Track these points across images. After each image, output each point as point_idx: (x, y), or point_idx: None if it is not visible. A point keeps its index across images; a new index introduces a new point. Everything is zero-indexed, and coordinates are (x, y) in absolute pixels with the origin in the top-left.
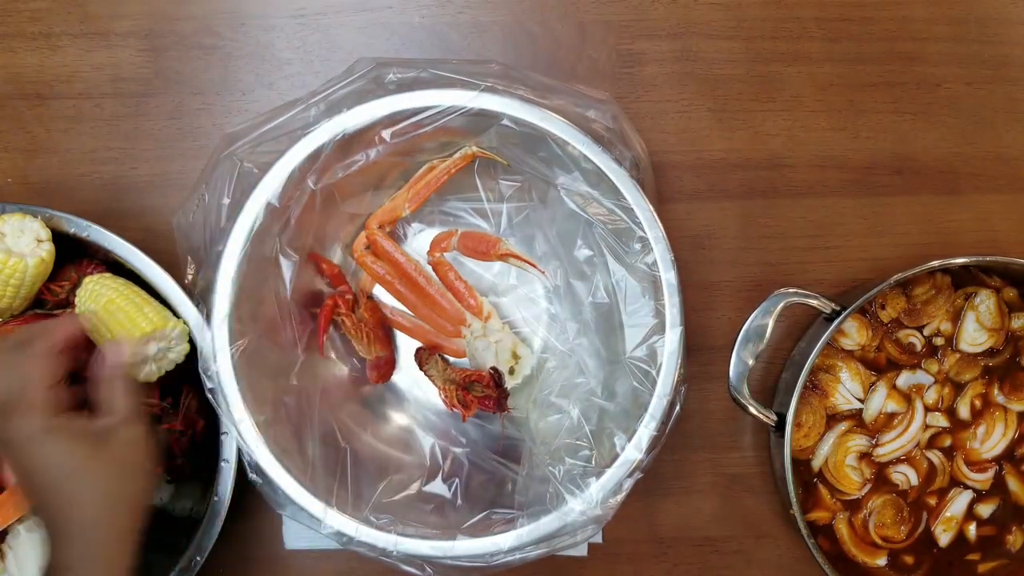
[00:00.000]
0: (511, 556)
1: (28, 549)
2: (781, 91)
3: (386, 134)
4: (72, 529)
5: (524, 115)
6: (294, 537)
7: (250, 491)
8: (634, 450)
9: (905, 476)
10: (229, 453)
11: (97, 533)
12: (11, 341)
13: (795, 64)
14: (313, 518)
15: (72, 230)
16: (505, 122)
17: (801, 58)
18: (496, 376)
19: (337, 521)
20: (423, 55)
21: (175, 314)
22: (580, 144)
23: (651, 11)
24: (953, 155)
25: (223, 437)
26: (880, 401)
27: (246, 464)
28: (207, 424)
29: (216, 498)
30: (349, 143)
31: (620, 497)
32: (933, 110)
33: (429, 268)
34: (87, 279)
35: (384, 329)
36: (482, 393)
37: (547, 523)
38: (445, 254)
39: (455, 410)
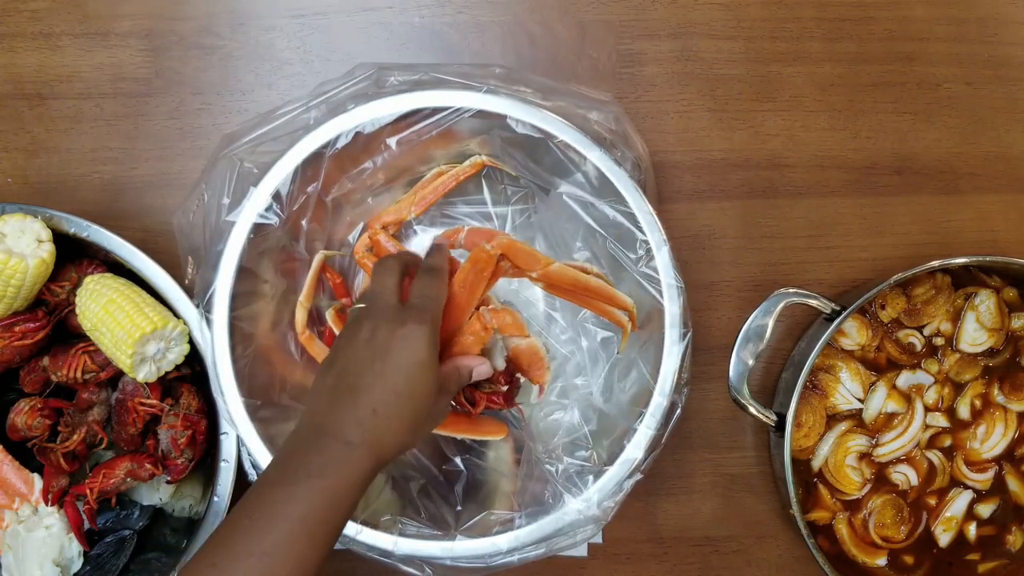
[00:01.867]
0: (511, 557)
1: (28, 549)
2: (781, 91)
3: (391, 141)
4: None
5: (526, 117)
6: None
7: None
8: (634, 450)
9: (905, 476)
10: (229, 453)
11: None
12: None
13: (795, 64)
14: None
15: (72, 230)
16: (508, 123)
17: (801, 58)
18: (511, 372)
19: None
20: (423, 55)
21: (175, 314)
22: (582, 146)
23: (651, 11)
24: (953, 155)
25: (223, 437)
26: (880, 401)
27: (246, 464)
28: (208, 424)
29: (216, 498)
30: (355, 151)
31: (619, 497)
32: (933, 110)
33: None
34: (87, 279)
35: None
36: (490, 390)
37: (546, 524)
38: (451, 251)
39: (461, 407)
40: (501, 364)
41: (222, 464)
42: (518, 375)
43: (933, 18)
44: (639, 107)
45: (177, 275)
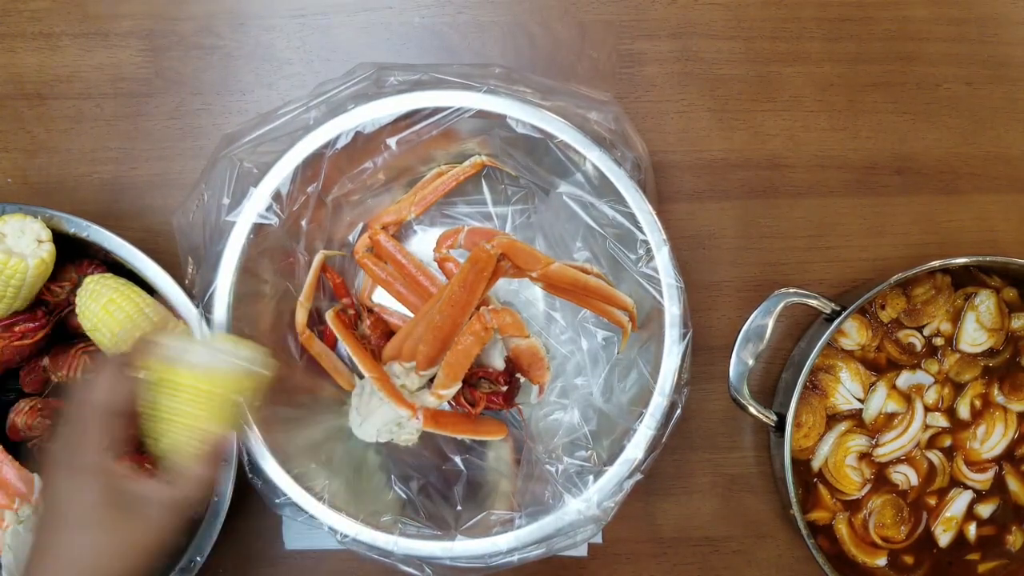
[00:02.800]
0: (510, 557)
1: (28, 549)
2: (781, 91)
3: (391, 141)
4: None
5: (526, 117)
6: (294, 537)
7: (250, 491)
8: (634, 450)
9: (905, 476)
10: (229, 453)
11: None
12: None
13: (795, 64)
14: (313, 518)
15: (72, 230)
16: (508, 123)
17: (801, 58)
18: (511, 372)
19: (337, 521)
20: (423, 55)
21: (175, 314)
22: (582, 146)
23: (651, 11)
24: (953, 155)
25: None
26: (880, 401)
27: (245, 465)
28: None
29: (216, 498)
30: (356, 151)
31: (619, 498)
32: (933, 110)
33: (434, 268)
34: (87, 279)
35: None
36: (490, 389)
37: (546, 524)
38: (451, 251)
39: (460, 407)
40: (500, 364)
41: (221, 463)
42: (518, 375)
43: (933, 18)
44: (639, 107)
45: (177, 275)
